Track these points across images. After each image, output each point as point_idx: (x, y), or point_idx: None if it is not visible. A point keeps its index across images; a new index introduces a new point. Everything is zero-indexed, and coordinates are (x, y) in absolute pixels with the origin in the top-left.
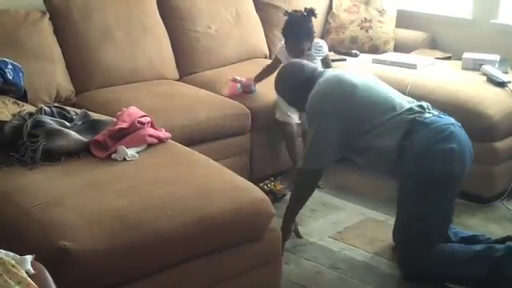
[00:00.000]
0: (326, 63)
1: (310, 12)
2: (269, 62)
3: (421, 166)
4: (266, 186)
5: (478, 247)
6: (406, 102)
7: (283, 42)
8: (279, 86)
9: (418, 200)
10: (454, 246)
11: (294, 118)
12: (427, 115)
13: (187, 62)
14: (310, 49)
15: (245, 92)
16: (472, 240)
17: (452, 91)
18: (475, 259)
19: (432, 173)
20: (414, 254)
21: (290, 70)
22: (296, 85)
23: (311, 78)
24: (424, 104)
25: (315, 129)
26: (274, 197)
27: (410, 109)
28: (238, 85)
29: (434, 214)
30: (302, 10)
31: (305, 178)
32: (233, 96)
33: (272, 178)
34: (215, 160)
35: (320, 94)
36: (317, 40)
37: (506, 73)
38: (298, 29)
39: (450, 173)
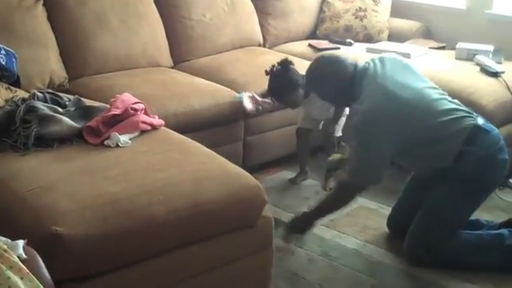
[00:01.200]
0: None
1: (284, 64)
2: (263, 50)
3: (481, 171)
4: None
5: (487, 235)
6: (446, 101)
7: None
8: (316, 79)
9: (462, 199)
10: (466, 234)
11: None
12: (481, 120)
13: (181, 50)
14: (308, 93)
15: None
16: (475, 225)
17: (446, 81)
18: (488, 247)
19: (489, 180)
20: (436, 245)
21: (328, 63)
22: (336, 79)
23: (353, 73)
24: (457, 102)
25: (369, 147)
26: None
27: (458, 110)
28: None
29: (469, 213)
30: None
31: (350, 192)
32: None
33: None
34: (208, 147)
35: (374, 113)
36: None
37: (500, 63)
38: (278, 87)
39: (500, 181)
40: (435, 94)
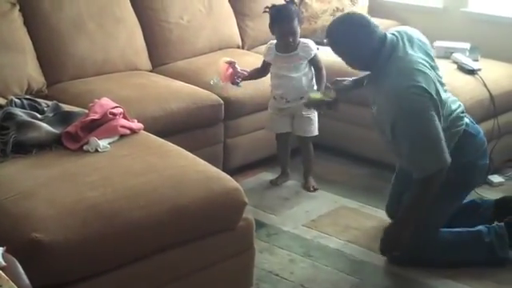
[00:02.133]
0: (316, 63)
1: (291, 1)
2: (241, 51)
3: (462, 175)
4: (322, 95)
5: (466, 233)
6: (450, 97)
7: (269, 43)
8: (340, 36)
9: (441, 201)
10: (445, 233)
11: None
12: (467, 120)
13: (160, 53)
14: (296, 47)
15: (230, 79)
16: (471, 207)
17: None
18: (467, 245)
19: (470, 183)
20: (418, 242)
21: (357, 20)
22: (363, 40)
23: (384, 38)
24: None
25: (425, 128)
26: (328, 105)
27: (459, 106)
28: (230, 70)
29: (447, 213)
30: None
31: (432, 183)
32: (231, 79)
33: (328, 86)
34: (188, 150)
35: (417, 90)
36: (303, 40)
37: (477, 60)
38: (285, 12)
39: (480, 182)
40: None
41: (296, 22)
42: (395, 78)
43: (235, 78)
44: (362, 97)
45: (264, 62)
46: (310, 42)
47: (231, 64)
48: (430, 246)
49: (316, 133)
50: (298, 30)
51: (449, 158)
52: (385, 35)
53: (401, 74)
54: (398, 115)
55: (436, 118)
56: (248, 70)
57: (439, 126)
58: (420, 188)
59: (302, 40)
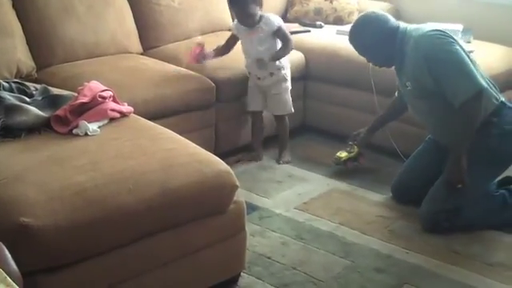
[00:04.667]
0: (281, 37)
1: None
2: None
3: (504, 144)
4: (347, 153)
5: (507, 197)
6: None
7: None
8: (358, 34)
9: (484, 169)
10: (490, 196)
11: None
12: (503, 98)
13: (151, 36)
14: (259, 20)
15: (195, 59)
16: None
17: None
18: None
19: (510, 153)
20: (455, 211)
21: (374, 18)
22: (379, 33)
23: (396, 29)
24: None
25: (455, 60)
26: (354, 162)
27: (492, 84)
28: (197, 51)
29: (489, 182)
30: None
31: (473, 107)
32: (192, 61)
33: (351, 143)
34: (180, 134)
35: (433, 31)
36: (267, 14)
37: (469, 42)
38: None
39: None
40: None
41: (251, 7)
42: (415, 37)
43: (201, 57)
44: (354, 79)
45: (232, 34)
46: (273, 17)
47: (200, 46)
48: (470, 209)
49: (290, 111)
50: (255, 11)
51: (483, 83)
52: (397, 26)
53: (418, 31)
54: (428, 58)
55: (461, 51)
56: (213, 52)
57: (466, 56)
58: (464, 115)
59: (266, 14)
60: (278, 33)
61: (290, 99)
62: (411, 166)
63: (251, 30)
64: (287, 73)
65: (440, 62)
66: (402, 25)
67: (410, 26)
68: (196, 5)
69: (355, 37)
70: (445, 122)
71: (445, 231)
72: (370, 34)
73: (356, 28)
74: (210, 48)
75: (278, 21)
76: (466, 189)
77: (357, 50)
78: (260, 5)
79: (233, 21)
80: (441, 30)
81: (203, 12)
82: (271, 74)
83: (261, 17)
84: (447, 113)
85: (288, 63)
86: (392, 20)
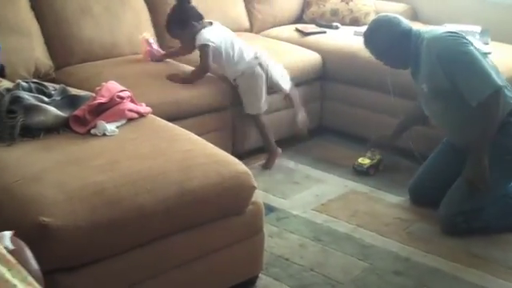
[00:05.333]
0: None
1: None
2: (250, 35)
3: None
4: (370, 159)
5: None
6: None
7: None
8: (371, 38)
9: (503, 170)
10: (501, 201)
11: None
12: None
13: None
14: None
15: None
16: None
17: None
18: None
19: None
20: (473, 213)
21: (385, 21)
22: (392, 36)
23: (409, 32)
24: None
25: (469, 60)
26: (376, 169)
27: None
28: (153, 49)
29: (507, 183)
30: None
31: (491, 106)
32: (148, 58)
33: (372, 150)
34: (197, 134)
35: (447, 33)
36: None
37: (487, 44)
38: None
39: None
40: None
41: (173, 29)
42: (428, 38)
43: (152, 57)
44: (371, 80)
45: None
46: (199, 37)
47: (147, 42)
48: (489, 210)
49: (254, 111)
50: (179, 32)
51: (500, 81)
52: (409, 28)
53: (432, 33)
54: (441, 58)
55: (475, 51)
56: (162, 52)
57: (479, 56)
58: (483, 114)
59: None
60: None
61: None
62: (429, 168)
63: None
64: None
65: (454, 62)
66: (415, 27)
67: (424, 29)
68: (212, 5)
69: (369, 41)
70: (462, 123)
71: (463, 233)
72: (383, 37)
73: (369, 32)
74: None
75: (200, 40)
76: (487, 190)
77: (372, 53)
78: (180, 27)
79: (250, 23)
80: (454, 32)
81: (219, 13)
82: (234, 80)
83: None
84: (464, 112)
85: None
86: (404, 22)
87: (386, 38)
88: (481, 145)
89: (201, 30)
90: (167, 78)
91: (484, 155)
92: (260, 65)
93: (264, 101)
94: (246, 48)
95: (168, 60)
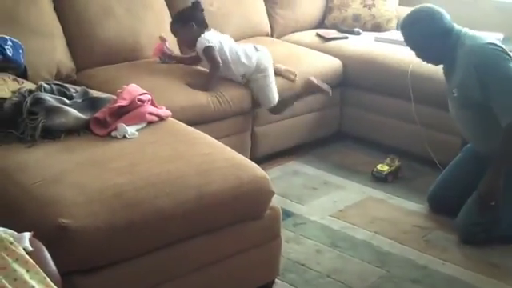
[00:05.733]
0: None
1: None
2: (270, 40)
3: None
4: (388, 166)
5: None
6: None
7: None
8: (409, 26)
9: None
10: None
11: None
12: None
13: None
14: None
15: (157, 54)
16: None
17: None
18: None
19: None
20: (491, 223)
21: (428, 14)
22: (431, 31)
23: (450, 30)
24: None
25: (508, 77)
26: (394, 176)
27: None
28: (164, 47)
29: None
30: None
31: None
32: (158, 54)
33: (391, 157)
34: (216, 138)
35: (489, 44)
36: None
37: (511, 51)
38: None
39: None
40: None
41: (173, 24)
42: (469, 45)
43: (162, 55)
44: (391, 87)
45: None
46: (200, 40)
47: (162, 41)
48: (508, 220)
49: (271, 103)
50: (178, 29)
51: None
52: (451, 27)
53: (475, 40)
54: (479, 69)
55: None
56: (175, 53)
57: None
58: (510, 135)
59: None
60: (205, 55)
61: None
62: (449, 176)
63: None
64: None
65: (491, 77)
66: (458, 27)
67: (467, 32)
68: (234, 10)
69: (406, 29)
70: (487, 134)
71: (482, 242)
72: (421, 29)
73: (408, 20)
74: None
75: (203, 43)
76: (505, 202)
77: (405, 41)
78: (190, 27)
79: (271, 28)
80: (497, 45)
81: (241, 17)
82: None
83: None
84: (491, 126)
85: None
86: (447, 19)
87: (425, 31)
88: (500, 164)
89: (201, 35)
90: (189, 86)
91: (500, 174)
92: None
93: (276, 91)
94: (246, 46)
95: (202, 67)
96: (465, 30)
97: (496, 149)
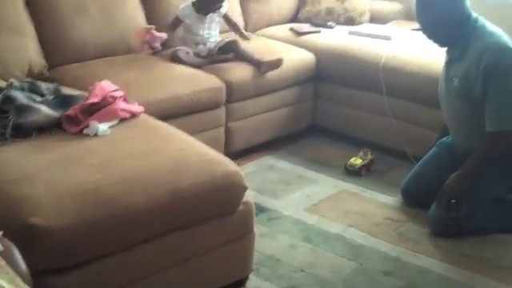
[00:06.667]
0: (228, 20)
1: None
2: (247, 33)
3: None
4: (361, 160)
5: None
6: None
7: (187, 3)
8: (429, 5)
9: (497, 177)
10: (493, 204)
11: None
12: None
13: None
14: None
15: (150, 47)
16: None
17: (426, 63)
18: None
19: None
20: (465, 216)
21: None
22: (449, 12)
23: (468, 17)
24: None
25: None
26: (368, 169)
27: None
28: (147, 36)
29: (501, 189)
30: None
31: (504, 139)
32: (139, 45)
33: (364, 150)
34: (190, 134)
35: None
36: None
37: None
38: None
39: None
40: None
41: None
42: (489, 42)
43: (153, 42)
44: (364, 80)
45: (177, 18)
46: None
47: (148, 30)
48: (482, 214)
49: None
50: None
51: None
52: (470, 14)
53: (496, 38)
54: (488, 70)
55: None
56: (163, 35)
57: None
58: (493, 141)
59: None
60: (226, 16)
61: None
62: (422, 170)
63: (205, 18)
64: None
65: (497, 79)
66: (475, 15)
67: (486, 24)
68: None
69: (424, 7)
70: (471, 129)
71: (454, 235)
72: (440, 8)
73: None
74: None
75: (226, 5)
76: (479, 196)
77: (420, 15)
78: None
79: (244, 22)
80: None
81: None
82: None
83: None
84: (479, 123)
85: None
86: (467, 5)
87: (443, 10)
88: (474, 166)
89: None
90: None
91: (471, 175)
92: None
93: None
94: None
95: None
96: (481, 20)
97: (474, 146)
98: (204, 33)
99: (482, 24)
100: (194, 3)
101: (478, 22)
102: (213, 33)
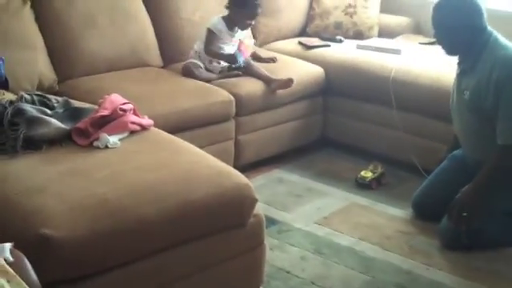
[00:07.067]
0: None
1: None
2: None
3: None
4: (372, 173)
5: None
6: None
7: (220, 16)
8: (450, 12)
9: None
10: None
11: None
12: None
13: (171, 50)
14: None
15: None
16: None
17: (436, 77)
18: None
19: None
20: (477, 229)
21: (471, 4)
22: (466, 22)
23: (483, 29)
24: None
25: None
26: (378, 183)
27: None
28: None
29: None
30: None
31: None
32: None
33: (375, 163)
34: (200, 147)
35: None
36: None
37: None
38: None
39: None
40: None
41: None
42: (503, 54)
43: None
44: (373, 94)
45: (212, 33)
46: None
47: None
48: (493, 228)
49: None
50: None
51: None
52: (485, 26)
53: (509, 51)
54: (499, 85)
55: None
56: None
57: None
58: (505, 154)
59: None
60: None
61: None
62: (433, 184)
63: (235, 34)
64: None
65: (509, 93)
66: (491, 29)
67: (500, 39)
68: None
69: (446, 11)
70: (482, 143)
71: (466, 248)
72: (461, 16)
73: (451, 3)
74: None
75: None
76: (491, 209)
77: (437, 24)
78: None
79: (254, 36)
80: None
81: None
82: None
83: None
84: (490, 136)
85: None
86: (485, 17)
87: (464, 21)
88: (485, 177)
89: None
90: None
91: (483, 188)
92: None
93: None
94: None
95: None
96: (495, 34)
97: (486, 160)
98: (229, 50)
99: (495, 38)
100: (224, 18)
101: (492, 36)
102: (232, 51)
